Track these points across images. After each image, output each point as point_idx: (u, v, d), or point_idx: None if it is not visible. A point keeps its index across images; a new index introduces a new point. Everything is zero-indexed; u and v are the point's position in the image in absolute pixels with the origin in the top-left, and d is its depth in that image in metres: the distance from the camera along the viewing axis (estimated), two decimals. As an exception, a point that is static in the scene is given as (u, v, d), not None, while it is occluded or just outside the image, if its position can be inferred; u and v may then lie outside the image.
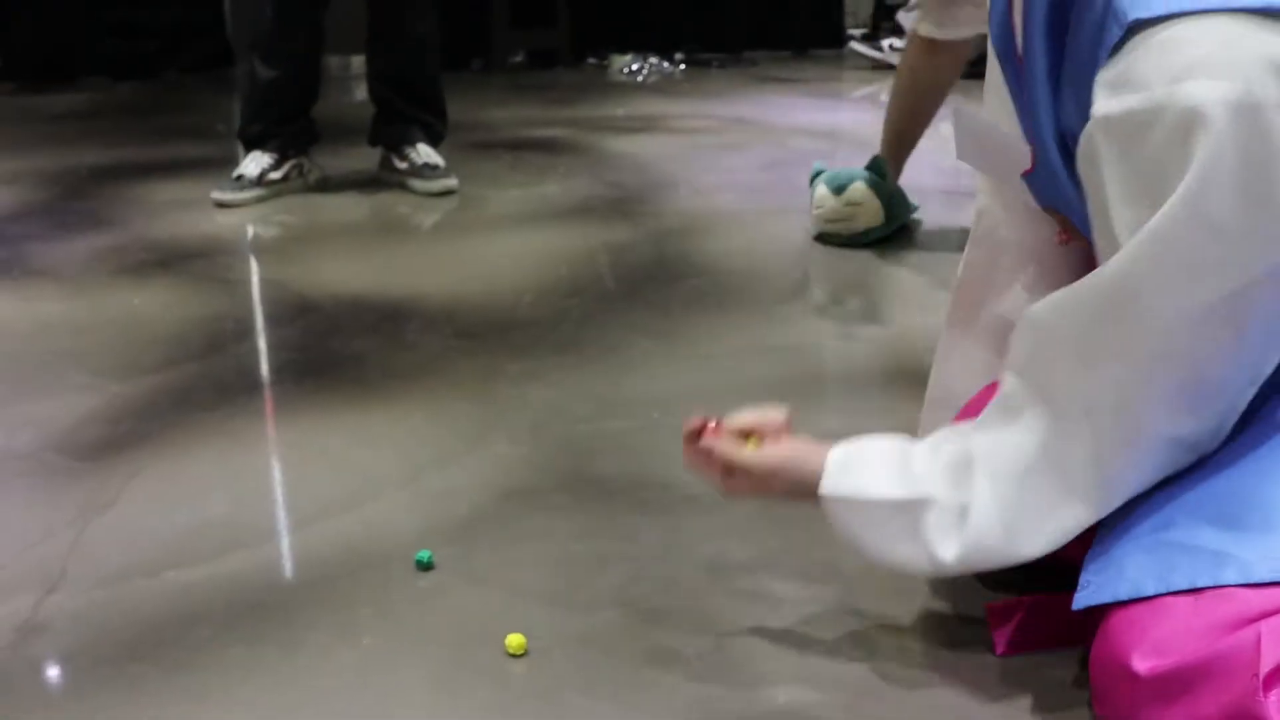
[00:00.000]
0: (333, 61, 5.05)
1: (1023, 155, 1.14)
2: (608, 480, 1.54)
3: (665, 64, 5.57)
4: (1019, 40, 1.10)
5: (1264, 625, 0.89)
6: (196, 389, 1.84)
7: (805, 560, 1.33)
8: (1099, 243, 1.03)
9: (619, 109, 4.48)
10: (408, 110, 3.15)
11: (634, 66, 5.51)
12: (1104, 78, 0.95)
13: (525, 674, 1.14)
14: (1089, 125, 0.97)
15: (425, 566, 1.32)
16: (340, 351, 2.01)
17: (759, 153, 3.61)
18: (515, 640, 1.15)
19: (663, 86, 5.08)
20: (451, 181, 3.10)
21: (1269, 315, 0.96)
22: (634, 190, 3.13)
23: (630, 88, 5.06)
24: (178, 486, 1.53)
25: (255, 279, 2.48)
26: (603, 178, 3.29)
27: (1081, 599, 1.02)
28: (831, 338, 2.11)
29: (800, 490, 1.12)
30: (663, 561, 1.34)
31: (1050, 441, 1.03)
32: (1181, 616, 0.93)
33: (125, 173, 3.34)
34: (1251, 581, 0.93)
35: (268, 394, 1.85)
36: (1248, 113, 0.88)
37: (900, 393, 1.74)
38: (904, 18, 5.39)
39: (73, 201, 3.03)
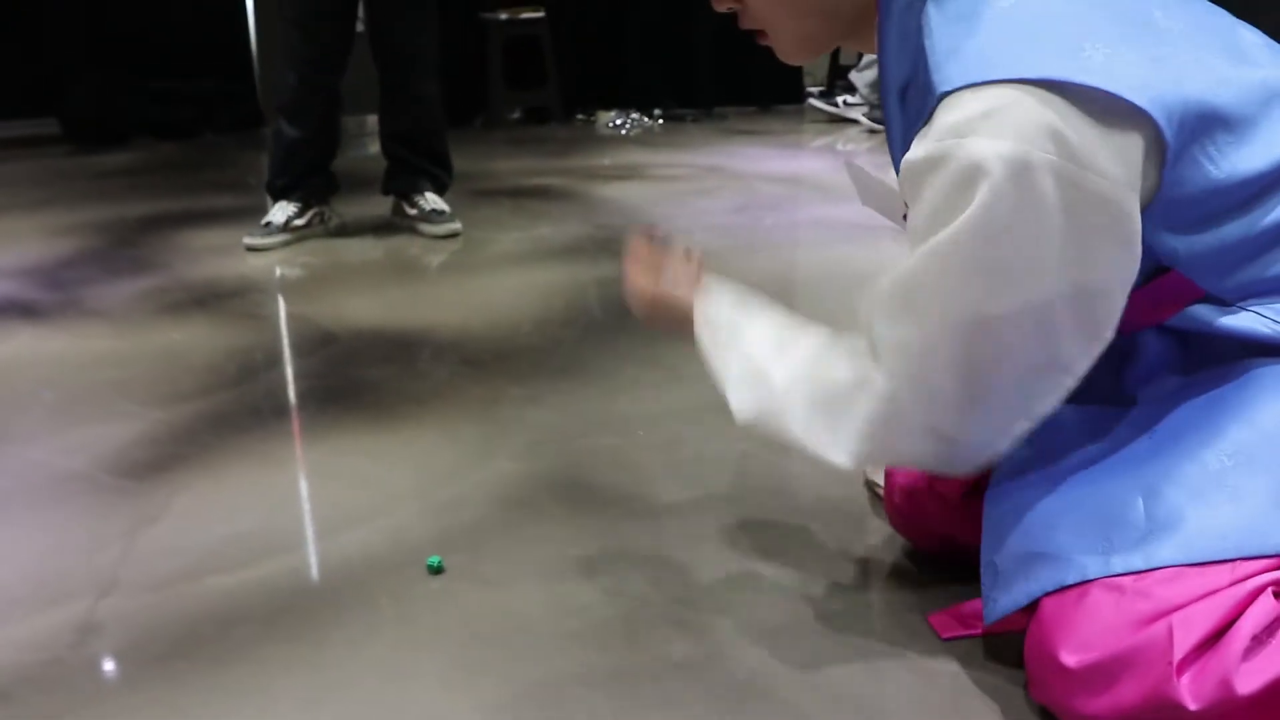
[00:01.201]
0: (349, 120, 5.05)
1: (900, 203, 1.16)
2: (600, 492, 1.53)
3: (645, 119, 5.58)
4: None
5: (1174, 618, 0.90)
6: (231, 414, 1.83)
7: (779, 561, 1.33)
8: None
9: (605, 159, 4.47)
10: (416, 163, 3.15)
11: (618, 121, 5.52)
12: (916, 138, 0.97)
13: (528, 668, 1.13)
14: (900, 170, 0.99)
15: (436, 570, 1.31)
16: (359, 379, 2.00)
17: (729, 197, 3.61)
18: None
19: (644, 139, 5.08)
20: (456, 225, 3.10)
21: (1029, 352, 0.96)
22: (620, 231, 3.13)
23: (615, 140, 5.06)
24: (216, 501, 1.52)
25: (282, 314, 2.48)
26: (592, 220, 3.28)
27: (988, 615, 1.06)
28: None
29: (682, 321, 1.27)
30: (650, 564, 1.33)
31: (854, 379, 1.05)
32: (1102, 614, 0.93)
33: (167, 222, 3.33)
34: (1087, 579, 0.96)
35: (295, 418, 1.84)
36: (1021, 170, 0.89)
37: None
38: (855, 77, 5.44)
39: (121, 249, 3.01)
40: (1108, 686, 0.92)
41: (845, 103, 5.44)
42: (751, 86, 6.03)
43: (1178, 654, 0.89)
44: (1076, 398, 1.04)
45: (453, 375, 2.01)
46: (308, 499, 1.55)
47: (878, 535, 1.38)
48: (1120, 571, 0.95)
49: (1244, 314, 0.99)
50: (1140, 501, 0.98)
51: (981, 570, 1.08)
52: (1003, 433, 1.01)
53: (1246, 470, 0.95)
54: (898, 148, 1.07)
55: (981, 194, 0.90)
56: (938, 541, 1.28)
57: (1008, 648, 1.11)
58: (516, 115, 5.69)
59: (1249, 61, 0.99)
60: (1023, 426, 1.01)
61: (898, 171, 1.10)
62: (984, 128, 0.90)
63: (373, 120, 3.46)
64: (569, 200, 3.61)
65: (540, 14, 5.40)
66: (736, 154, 4.53)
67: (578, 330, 2.25)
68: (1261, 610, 0.90)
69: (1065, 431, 1.08)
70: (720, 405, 1.83)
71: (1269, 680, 0.87)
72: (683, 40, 5.85)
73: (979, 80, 0.91)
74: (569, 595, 1.26)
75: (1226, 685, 0.87)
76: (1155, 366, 1.07)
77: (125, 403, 1.88)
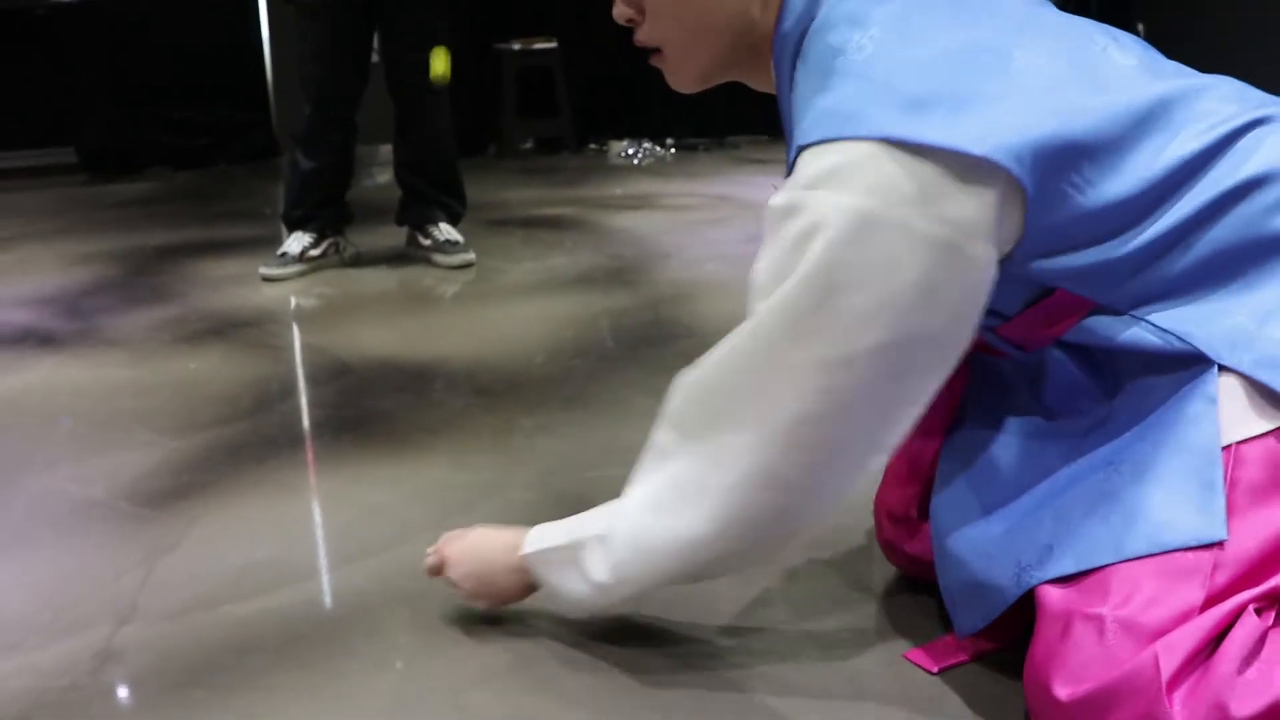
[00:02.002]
0: (363, 150, 5.10)
1: None
2: (610, 520, 1.55)
3: (658, 148, 5.62)
4: None
5: (1159, 645, 0.92)
6: (247, 443, 1.86)
7: (789, 589, 1.35)
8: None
9: (617, 189, 4.50)
10: (430, 194, 3.18)
11: (630, 151, 5.56)
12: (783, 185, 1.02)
13: (538, 700, 1.15)
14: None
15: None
16: (373, 408, 2.02)
17: (740, 227, 3.64)
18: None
19: (656, 168, 5.11)
20: (470, 256, 3.13)
21: (874, 394, 1.00)
22: (632, 261, 3.16)
23: (627, 170, 5.10)
24: (232, 530, 1.55)
25: (298, 344, 2.51)
26: (604, 250, 3.31)
27: (957, 629, 1.13)
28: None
29: (512, 564, 1.21)
30: (659, 596, 1.34)
31: (680, 472, 1.08)
32: (1088, 645, 0.95)
33: (184, 251, 3.37)
34: (1008, 602, 1.03)
35: (310, 447, 1.87)
36: (863, 223, 0.94)
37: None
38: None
39: (138, 278, 3.05)
40: (1103, 715, 0.93)
41: (856, 132, 5.47)
42: (763, 116, 6.06)
43: (1165, 676, 0.90)
44: (996, 412, 1.10)
45: (466, 405, 2.03)
46: (322, 528, 1.57)
47: (887, 563, 1.39)
48: (1030, 585, 1.00)
49: (1135, 326, 1.03)
50: (1049, 521, 1.03)
51: (941, 596, 1.15)
52: (855, 472, 1.05)
53: (1148, 487, 0.99)
54: None
55: (818, 247, 0.95)
56: (931, 570, 1.29)
57: (1010, 667, 1.13)
58: (529, 145, 5.74)
59: (1112, 87, 1.01)
60: (877, 460, 1.06)
61: None
62: (832, 181, 0.95)
63: (386, 150, 3.50)
64: (581, 230, 3.64)
65: (553, 44, 5.45)
66: (748, 183, 4.56)
67: (590, 360, 2.28)
68: (1245, 631, 0.92)
69: (992, 451, 1.14)
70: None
71: (1268, 703, 0.88)
72: (695, 70, 5.89)
73: (830, 136, 0.96)
74: (579, 626, 1.28)
75: (1222, 708, 0.88)
76: (1067, 382, 1.11)
77: (143, 431, 1.91)
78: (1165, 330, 1.01)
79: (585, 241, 3.45)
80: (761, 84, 1.17)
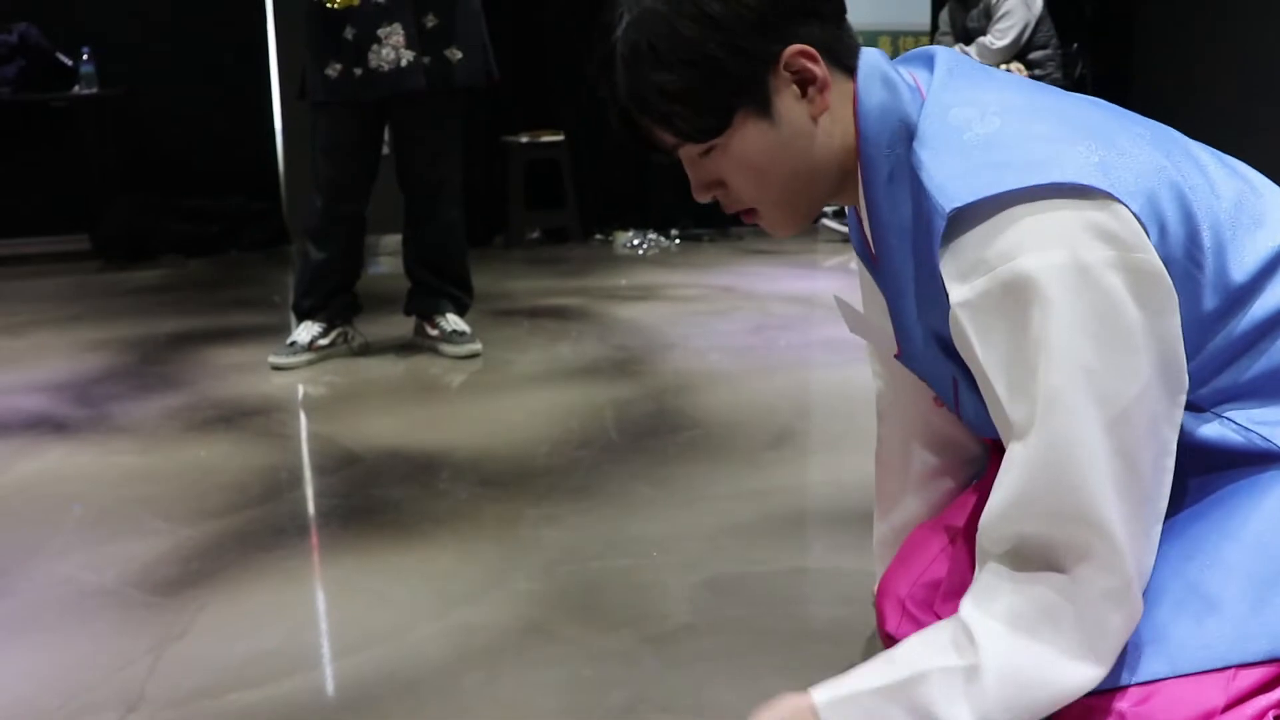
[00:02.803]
0: (371, 240, 5.18)
1: (890, 340, 1.19)
2: (614, 612, 1.57)
3: (662, 239, 5.69)
4: (870, 246, 1.15)
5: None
6: (255, 532, 1.88)
7: (793, 681, 1.36)
8: (991, 408, 1.01)
9: (623, 279, 4.56)
10: (439, 285, 3.23)
11: (635, 241, 5.63)
12: (948, 270, 0.98)
13: (542, 784, 1.16)
14: (953, 311, 0.98)
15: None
16: (380, 498, 2.05)
17: (745, 317, 3.68)
18: None
19: (661, 259, 5.18)
20: (476, 346, 3.17)
21: (1151, 443, 0.96)
22: (636, 351, 3.19)
23: (632, 260, 5.16)
24: (240, 619, 1.57)
25: (305, 433, 2.54)
26: (609, 340, 3.35)
27: None
28: (813, 482, 2.15)
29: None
30: (662, 684, 1.36)
31: (1038, 594, 0.98)
32: None
33: (194, 339, 3.42)
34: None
35: (316, 536, 1.89)
36: (1079, 273, 0.92)
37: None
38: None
39: (150, 365, 3.09)
40: None
41: (859, 224, 5.55)
42: (767, 208, 6.14)
43: None
44: None
45: (471, 495, 2.06)
46: (327, 617, 1.59)
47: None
48: (1107, 688, 0.97)
49: (1216, 422, 1.03)
50: None
51: None
52: (1151, 537, 0.98)
53: (1224, 580, 0.99)
54: (905, 287, 1.10)
55: (1057, 308, 0.92)
56: None
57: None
58: (536, 235, 5.82)
59: (1217, 178, 1.04)
60: (1156, 529, 0.98)
61: (891, 306, 1.15)
62: (1026, 244, 0.93)
63: (395, 240, 3.56)
64: (586, 320, 3.69)
65: (560, 137, 5.56)
66: (752, 274, 4.62)
67: (594, 451, 2.31)
68: None
69: None
70: (733, 526, 1.87)
71: None
72: (699, 163, 5.99)
73: (989, 193, 0.94)
74: (583, 714, 1.29)
75: None
76: None
77: (153, 519, 1.94)
78: (1247, 429, 1.02)
79: (590, 331, 3.50)
80: (842, 199, 1.14)
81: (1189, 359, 1.00)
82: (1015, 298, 0.94)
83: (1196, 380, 1.02)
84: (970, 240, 0.96)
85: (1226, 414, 1.04)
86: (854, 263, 2.97)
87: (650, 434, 2.41)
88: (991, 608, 0.99)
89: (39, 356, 3.20)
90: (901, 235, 1.07)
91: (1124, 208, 0.94)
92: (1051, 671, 0.96)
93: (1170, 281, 0.95)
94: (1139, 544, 0.96)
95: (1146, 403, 0.95)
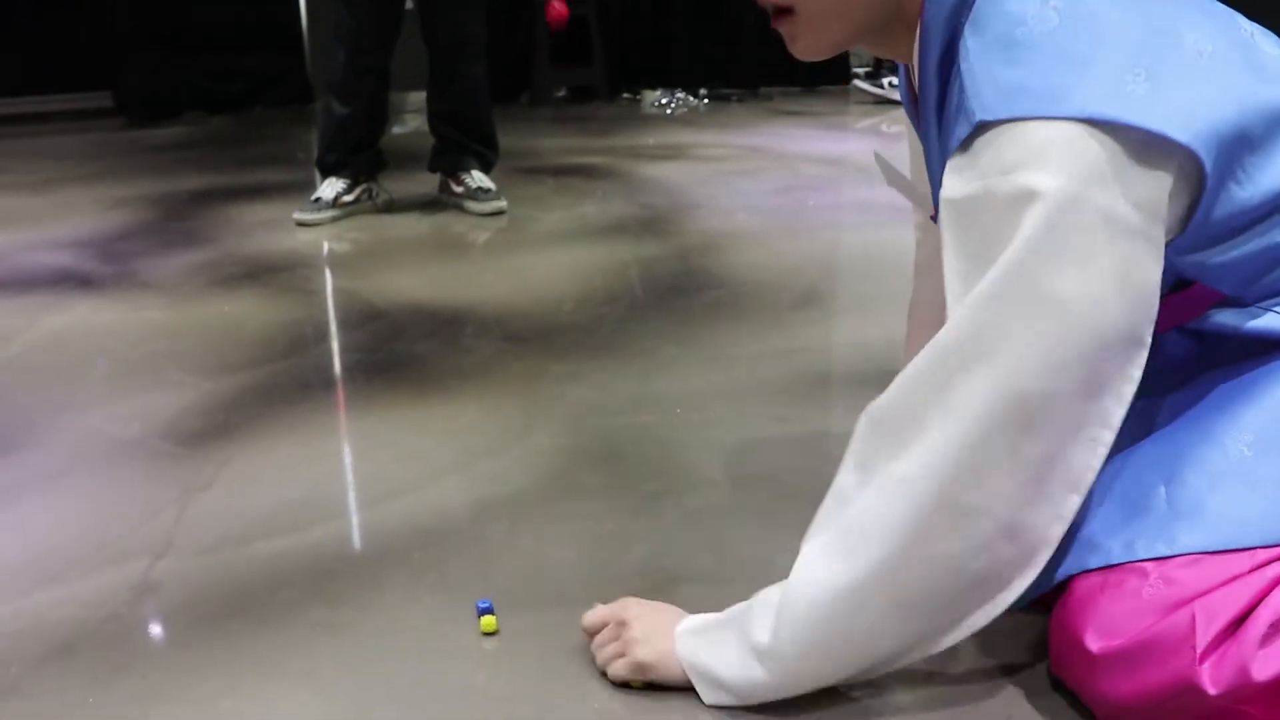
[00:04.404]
0: (396, 97, 5.10)
1: (927, 201, 1.15)
2: (636, 468, 1.57)
3: (691, 98, 5.59)
4: (918, 105, 1.11)
5: (1197, 605, 0.92)
6: (280, 386, 1.88)
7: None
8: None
9: (650, 139, 4.49)
10: (463, 141, 3.18)
11: (663, 100, 5.53)
12: (952, 164, 0.95)
13: (563, 640, 1.17)
14: (940, 200, 0.96)
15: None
16: (404, 353, 2.04)
17: (773, 178, 3.62)
18: (488, 624, 1.17)
19: (689, 118, 5.09)
20: (502, 203, 3.14)
21: (1068, 407, 0.93)
22: (663, 211, 3.15)
23: (660, 119, 5.08)
24: (265, 470, 1.58)
25: (330, 289, 2.53)
26: (635, 200, 3.31)
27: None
28: (838, 343, 2.13)
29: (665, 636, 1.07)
30: (683, 539, 1.37)
31: (858, 513, 0.99)
32: (1126, 600, 0.95)
33: (218, 196, 3.40)
34: (1111, 564, 0.97)
35: (341, 390, 1.89)
36: (1070, 205, 0.88)
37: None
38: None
39: (173, 222, 3.08)
40: (1131, 671, 0.94)
41: (891, 84, 5.41)
42: (797, 67, 6.00)
43: (1201, 641, 0.90)
44: None
45: (495, 351, 2.05)
46: (352, 469, 1.60)
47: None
48: (1144, 557, 0.96)
49: (1267, 315, 1.02)
50: (1162, 488, 1.00)
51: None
52: (1045, 505, 0.96)
53: (1267, 457, 0.97)
54: (935, 164, 1.07)
55: (1034, 219, 0.89)
56: None
57: (1027, 628, 1.14)
58: (562, 93, 5.72)
59: (1268, 77, 0.99)
60: (1070, 499, 0.96)
61: (933, 182, 1.12)
62: (1032, 164, 0.89)
63: (419, 97, 3.50)
64: (613, 179, 3.64)
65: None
66: (781, 135, 4.53)
67: (619, 309, 2.29)
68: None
69: None
70: (757, 385, 1.86)
71: None
72: (729, 20, 5.84)
73: (1021, 115, 0.91)
74: (604, 567, 1.30)
75: (1244, 671, 0.89)
76: (1175, 363, 1.08)
77: (178, 373, 1.94)
78: None
79: (617, 190, 3.45)
80: (889, 51, 1.09)
81: (1229, 263, 0.98)
82: (1001, 211, 0.91)
83: (1240, 281, 1.01)
84: (983, 143, 0.93)
85: (1275, 309, 1.01)
86: (885, 125, 2.90)
87: (675, 293, 2.39)
88: (821, 528, 1.02)
89: (63, 213, 3.19)
90: (938, 112, 1.04)
91: (1153, 151, 0.90)
92: (838, 585, 0.98)
93: (1152, 248, 0.92)
94: (1004, 488, 0.94)
95: (1085, 362, 0.92)
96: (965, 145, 0.94)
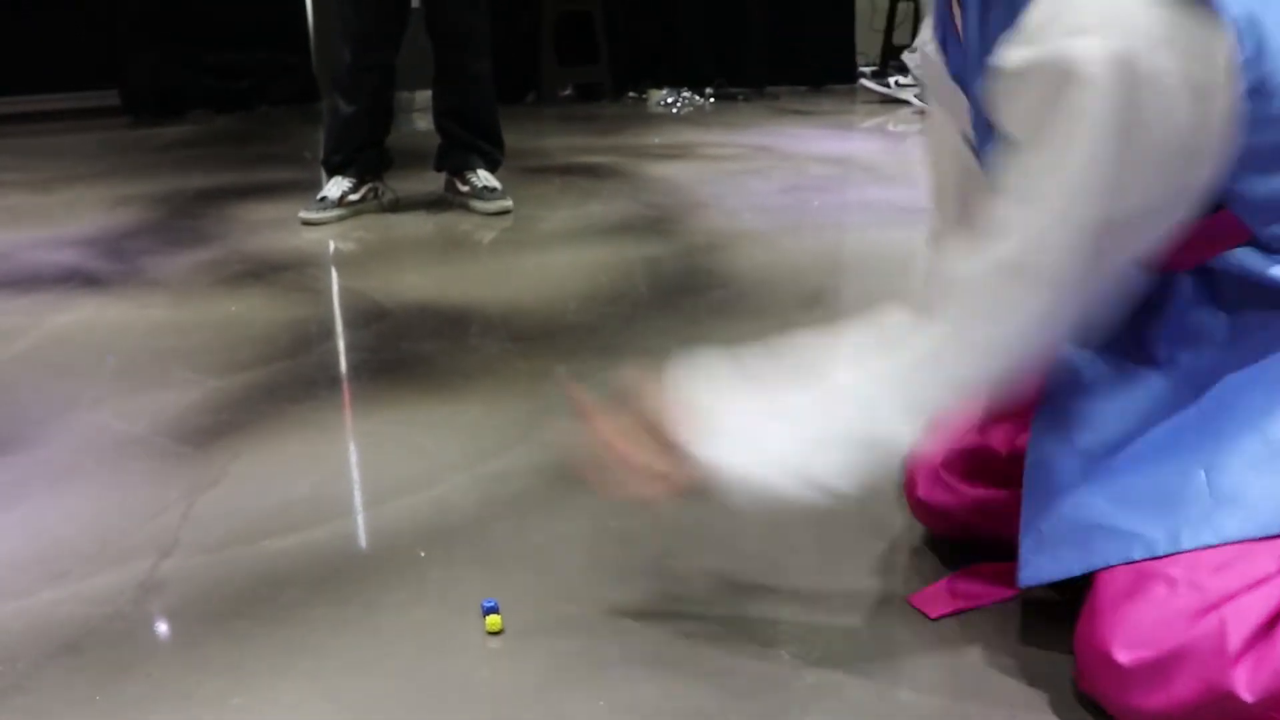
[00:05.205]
0: (402, 96, 5.11)
1: (964, 112, 1.13)
2: (642, 466, 1.56)
3: (697, 97, 5.58)
4: (958, 27, 1.09)
5: (1226, 610, 0.91)
6: (285, 384, 1.89)
7: (820, 538, 1.36)
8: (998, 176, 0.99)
9: (655, 138, 4.49)
10: (469, 140, 3.18)
11: (669, 99, 5.52)
12: (1008, 41, 0.94)
13: (568, 639, 1.17)
14: (995, 71, 0.95)
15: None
16: (410, 352, 2.04)
17: (779, 177, 3.62)
18: (493, 623, 1.17)
19: (695, 118, 5.09)
20: (507, 203, 3.14)
21: (1133, 245, 0.94)
22: (668, 210, 3.15)
23: (666, 118, 5.07)
24: (271, 468, 1.58)
25: (336, 288, 2.53)
26: (641, 199, 3.31)
27: (1024, 577, 1.06)
28: (840, 342, 2.12)
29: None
30: (689, 537, 1.37)
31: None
32: (1153, 608, 0.93)
33: (224, 194, 3.40)
34: (1156, 555, 0.96)
35: (347, 389, 1.89)
36: (1123, 73, 0.86)
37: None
38: (908, 58, 5.41)
39: (179, 220, 3.08)
40: (1163, 683, 0.92)
41: (897, 83, 5.41)
42: (803, 66, 6.01)
43: (1233, 646, 0.89)
44: (1101, 351, 1.04)
45: (501, 350, 2.05)
46: (358, 468, 1.60)
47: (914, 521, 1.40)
48: (1189, 547, 0.95)
49: None
50: (1202, 475, 0.98)
51: (1021, 533, 1.07)
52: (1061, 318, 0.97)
53: None
54: (973, 55, 1.04)
55: (1093, 95, 0.87)
56: (959, 530, 1.30)
57: (1039, 634, 1.14)
58: (568, 92, 5.72)
59: None
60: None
61: (964, 85, 1.08)
62: (1090, 26, 0.87)
63: (425, 96, 3.51)
64: (618, 178, 3.64)
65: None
66: (787, 134, 4.53)
67: (624, 308, 2.28)
68: None
69: (1099, 393, 1.07)
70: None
71: None
72: (735, 19, 5.84)
73: None
74: (610, 566, 1.30)
75: None
76: (1188, 318, 1.05)
77: (185, 371, 1.94)
78: None
79: (622, 190, 3.45)
80: None
81: (1262, 194, 0.96)
82: (1053, 77, 0.89)
83: (1268, 216, 0.98)
84: (1033, 11, 0.90)
85: None
86: (891, 124, 2.86)
87: (681, 292, 2.39)
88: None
89: (69, 211, 3.19)
90: (982, 6, 1.02)
91: (1218, 25, 0.87)
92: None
93: (1223, 112, 0.89)
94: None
95: (1136, 225, 0.92)
96: (1020, 17, 0.91)
